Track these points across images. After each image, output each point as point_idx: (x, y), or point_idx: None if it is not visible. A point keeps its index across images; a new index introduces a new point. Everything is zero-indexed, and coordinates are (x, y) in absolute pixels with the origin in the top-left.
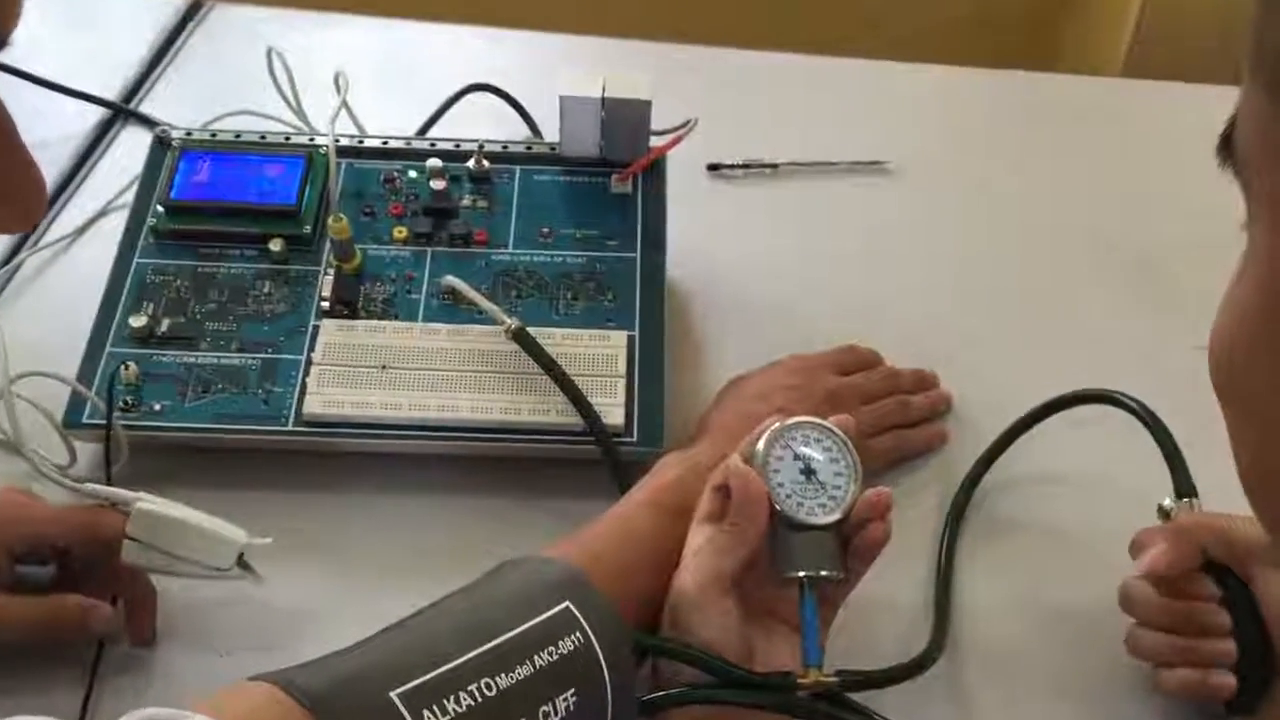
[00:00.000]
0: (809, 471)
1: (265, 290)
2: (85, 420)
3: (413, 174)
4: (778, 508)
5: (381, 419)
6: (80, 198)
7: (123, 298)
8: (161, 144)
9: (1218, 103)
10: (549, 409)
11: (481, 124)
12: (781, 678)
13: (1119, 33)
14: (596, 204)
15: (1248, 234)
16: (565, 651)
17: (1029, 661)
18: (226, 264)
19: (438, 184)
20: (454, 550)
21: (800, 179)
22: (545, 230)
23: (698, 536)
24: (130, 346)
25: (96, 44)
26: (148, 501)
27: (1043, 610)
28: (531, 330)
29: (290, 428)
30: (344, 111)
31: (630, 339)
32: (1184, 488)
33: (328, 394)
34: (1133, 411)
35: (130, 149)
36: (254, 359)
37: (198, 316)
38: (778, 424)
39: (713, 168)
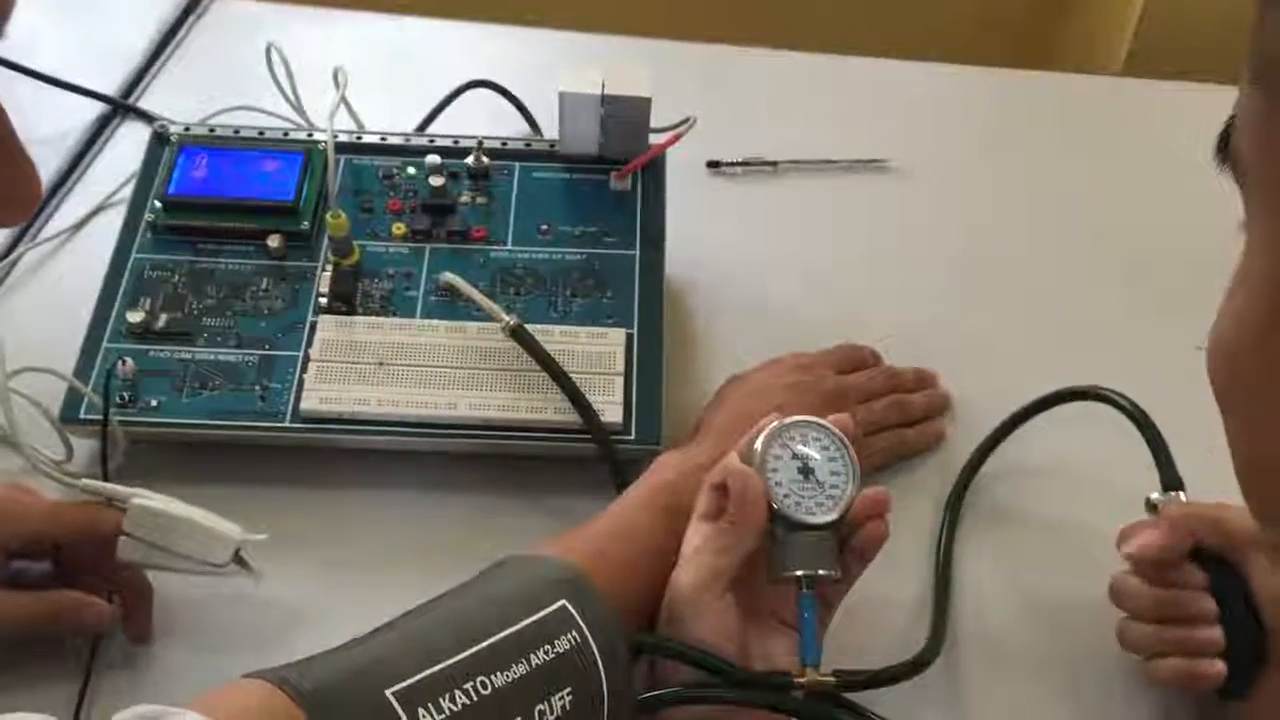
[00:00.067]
0: (807, 471)
1: (263, 286)
2: (82, 416)
3: (411, 170)
4: (775, 507)
5: (379, 416)
6: (79, 193)
7: (120, 293)
8: (160, 139)
9: (1219, 102)
10: (547, 406)
11: (481, 120)
12: (778, 677)
13: (1120, 32)
14: (595, 201)
15: (1245, 234)
16: (561, 650)
17: (1028, 661)
18: (224, 259)
19: (436, 180)
20: (451, 547)
21: (800, 177)
22: (544, 227)
23: (695, 535)
24: (127, 342)
25: (96, 38)
26: (144, 497)
27: (1041, 608)
28: (530, 327)
29: (287, 424)
30: (343, 107)
31: (628, 336)
32: (1171, 481)
33: (325, 390)
34: (1120, 407)
35: (129, 144)
36: (251, 355)
37: (195, 312)
38: (776, 423)
39: (712, 165)
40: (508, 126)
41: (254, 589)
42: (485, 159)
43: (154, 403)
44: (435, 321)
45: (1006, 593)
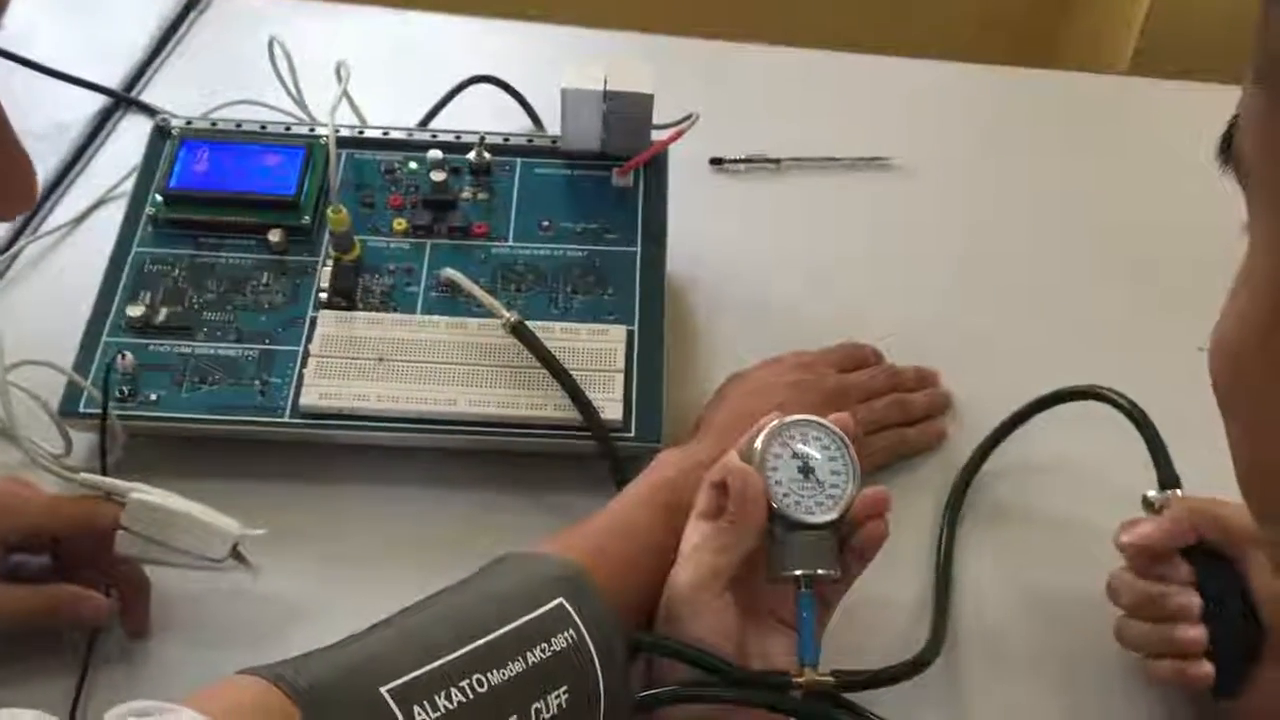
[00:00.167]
0: (807, 470)
1: (263, 281)
2: (81, 410)
3: (413, 165)
4: (775, 506)
5: (378, 411)
6: (80, 186)
7: (120, 287)
8: (161, 133)
9: (1223, 102)
10: (547, 403)
11: (484, 116)
12: (776, 677)
13: (1126, 30)
14: (597, 198)
15: (1248, 234)
16: (558, 648)
17: (1028, 661)
18: (225, 254)
19: (438, 176)
20: (449, 544)
21: (803, 174)
22: (545, 223)
23: (694, 533)
24: (127, 336)
25: (99, 31)
26: (142, 492)
27: (1041, 608)
28: (530, 324)
29: (287, 419)
30: (345, 102)
31: (629, 334)
32: (1167, 479)
33: (325, 386)
34: (1119, 407)
35: (131, 137)
36: (251, 350)
37: (195, 306)
38: (776, 421)
39: (715, 162)
40: (511, 122)
41: (252, 584)
42: (487, 155)
43: (153, 397)
44: (436, 317)
45: (1007, 592)
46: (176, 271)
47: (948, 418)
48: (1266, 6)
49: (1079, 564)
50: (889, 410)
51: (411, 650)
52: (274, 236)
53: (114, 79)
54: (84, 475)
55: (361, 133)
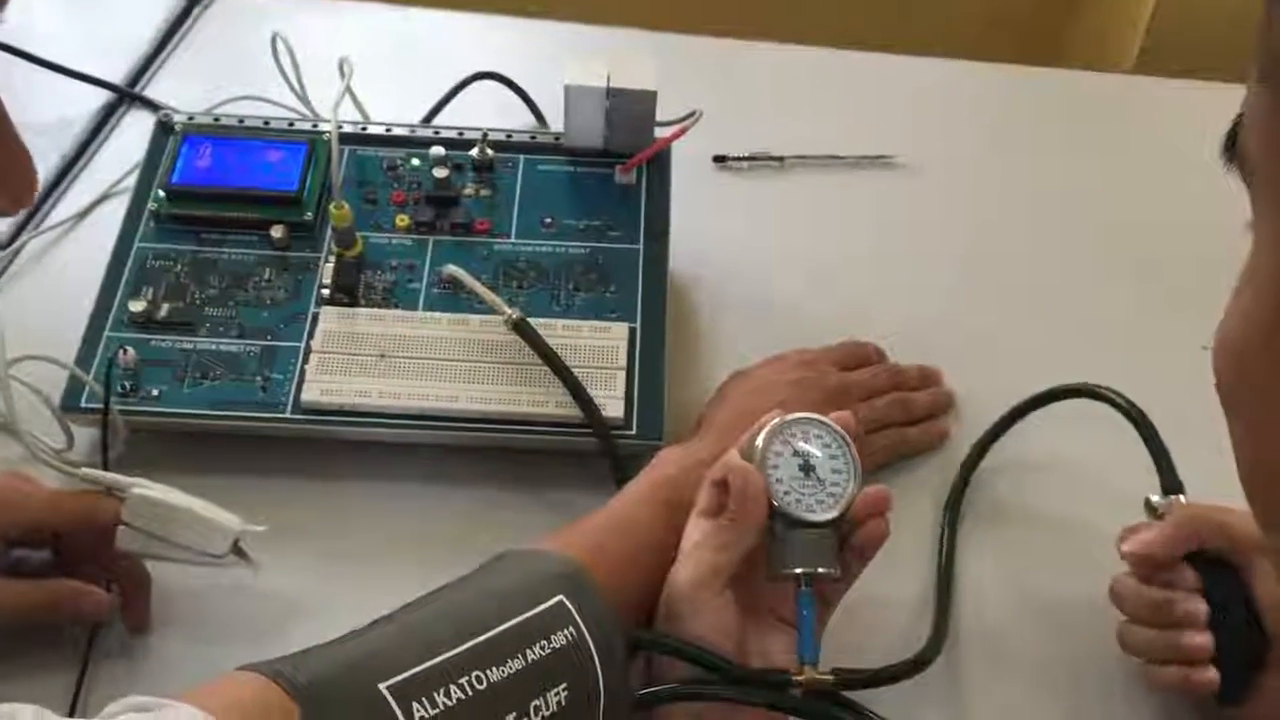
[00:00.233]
0: (808, 468)
1: (266, 276)
2: (83, 404)
3: (416, 162)
4: (776, 504)
5: (380, 408)
6: (84, 181)
7: (123, 282)
8: (164, 128)
9: (1229, 101)
10: (548, 400)
11: (487, 112)
12: (776, 675)
13: (1132, 29)
14: (600, 195)
15: (1253, 233)
16: (558, 645)
17: (1028, 661)
18: (227, 249)
19: (440, 172)
20: (450, 541)
21: (806, 172)
22: (548, 220)
23: (695, 531)
24: (129, 331)
25: (103, 27)
26: (143, 487)
27: (1042, 608)
28: (532, 321)
29: (288, 415)
30: (348, 98)
31: (631, 331)
32: (1170, 483)
33: (326, 382)
34: (1116, 405)
35: (135, 133)
36: (253, 345)
37: (197, 302)
38: (777, 419)
39: (718, 160)
40: (514, 119)
41: (253, 580)
42: (490, 151)
43: (155, 392)
44: (437, 314)
45: (1007, 592)
46: (179, 267)
47: (950, 417)
48: (1270, 7)
49: (1080, 566)
50: (891, 409)
51: (411, 647)
52: (276, 232)
53: (118, 74)
54: (85, 470)
55: (364, 129)
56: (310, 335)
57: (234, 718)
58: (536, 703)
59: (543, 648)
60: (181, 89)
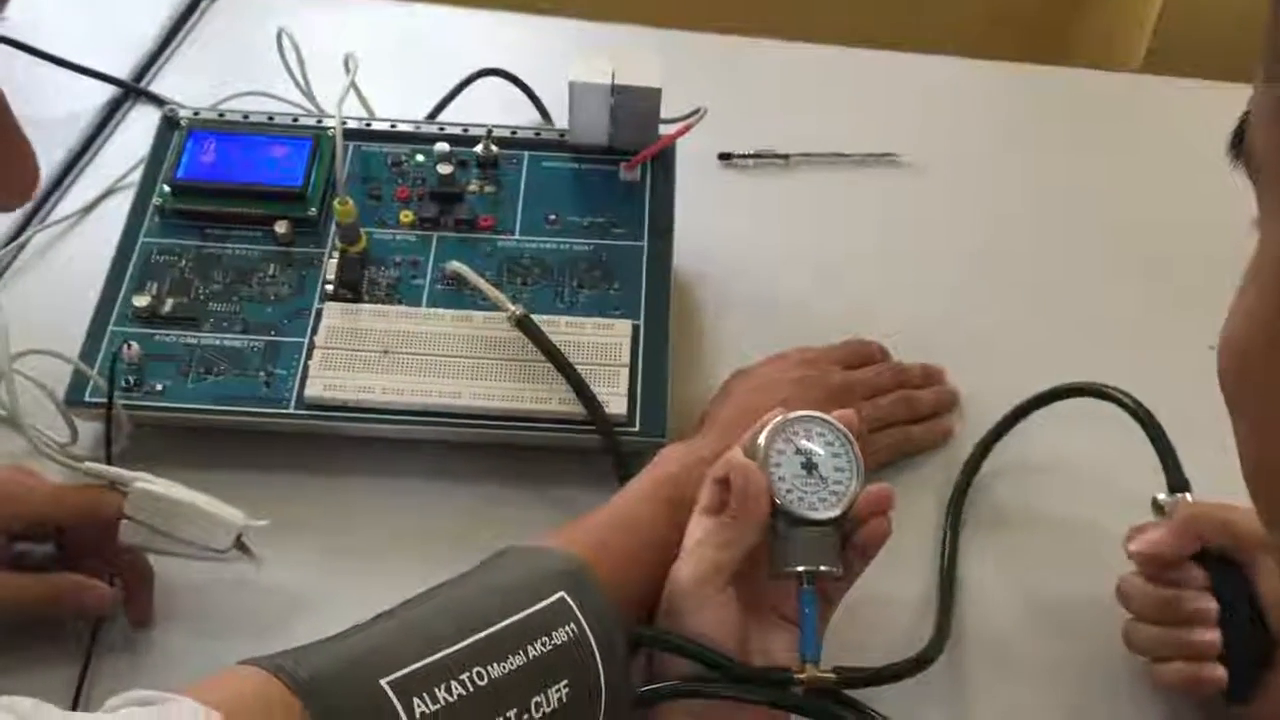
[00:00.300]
0: (810, 466)
1: (270, 272)
2: (87, 399)
3: (420, 158)
4: (778, 502)
5: (383, 404)
6: (89, 176)
7: (127, 277)
8: (169, 123)
9: (1236, 100)
10: (551, 397)
11: (493, 109)
12: (778, 673)
13: (1139, 29)
14: (604, 191)
15: (1259, 231)
16: (559, 642)
17: (1031, 660)
18: (231, 245)
19: (445, 168)
20: (452, 537)
21: (812, 170)
22: (552, 217)
23: (697, 529)
24: (133, 326)
25: (109, 22)
26: (146, 482)
27: (1045, 607)
28: (536, 318)
29: (291, 410)
30: (352, 94)
31: (635, 328)
32: (1176, 482)
33: (330, 377)
34: (1122, 404)
35: (140, 128)
36: (257, 341)
37: (201, 297)
38: (780, 417)
39: (724, 157)
40: (520, 115)
41: (255, 575)
42: (494, 148)
43: (159, 387)
44: (441, 310)
45: (1011, 591)
46: (183, 262)
47: (954, 415)
48: (1276, 7)
49: (1084, 564)
50: (895, 407)
51: (412, 642)
52: (280, 228)
53: (124, 69)
54: (89, 464)
55: (369, 125)
56: (314, 331)
57: (235, 712)
58: (537, 699)
59: (544, 644)
60: (187, 84)
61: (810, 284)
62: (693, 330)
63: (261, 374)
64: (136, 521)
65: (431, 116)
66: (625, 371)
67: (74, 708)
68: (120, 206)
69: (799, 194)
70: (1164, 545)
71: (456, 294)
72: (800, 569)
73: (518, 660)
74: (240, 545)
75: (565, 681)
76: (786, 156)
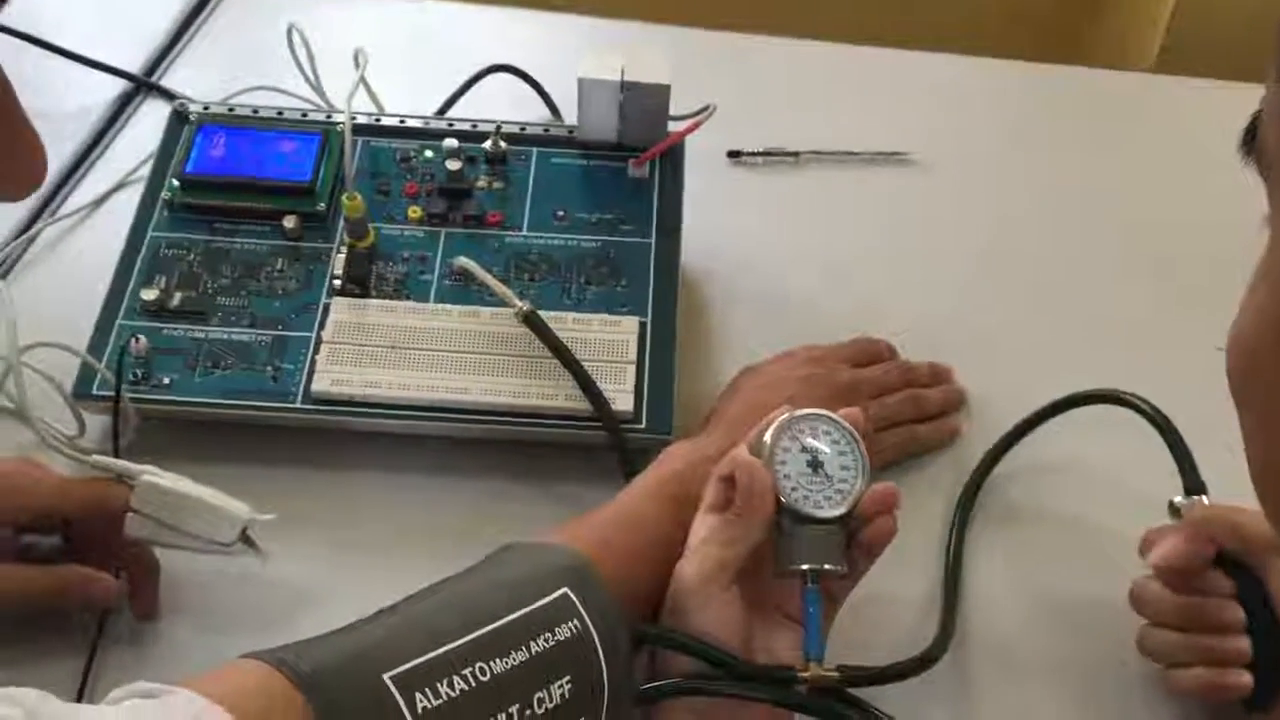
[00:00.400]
0: (816, 464)
1: (278, 266)
2: (95, 392)
3: (429, 154)
4: (783, 500)
5: (390, 399)
6: (99, 169)
7: (136, 271)
8: (179, 117)
9: (1249, 100)
10: (558, 393)
11: (502, 105)
12: (781, 671)
13: (1152, 28)
14: (613, 188)
15: (1269, 228)
16: (562, 638)
17: (1037, 661)
18: (240, 239)
19: (453, 164)
20: (457, 532)
21: (821, 168)
22: (560, 213)
23: (702, 526)
24: (141, 319)
25: (121, 16)
26: (153, 475)
27: (1051, 608)
28: (543, 314)
29: (298, 405)
30: (362, 89)
31: (642, 325)
32: (1193, 485)
33: (337, 372)
34: (1141, 411)
35: (151, 122)
36: (264, 335)
37: (210, 291)
38: (786, 415)
39: (733, 155)
40: (529, 112)
41: (260, 569)
42: (503, 144)
43: (166, 380)
44: (448, 306)
45: (1017, 593)
46: (192, 256)
47: (961, 415)
48: None
49: (1093, 567)
50: (902, 406)
51: (415, 637)
52: (289, 223)
53: (135, 64)
54: (96, 457)
55: (378, 120)
56: (321, 325)
57: (238, 705)
58: (540, 695)
59: (547, 640)
60: (197, 79)
61: (818, 282)
62: (700, 328)
63: (269, 368)
64: (143, 514)
65: (441, 112)
66: (632, 368)
67: (79, 700)
68: (130, 200)
69: (808, 192)
70: (1181, 555)
71: (464, 290)
72: (805, 567)
73: (520, 656)
74: (246, 539)
75: (568, 678)
76: (796, 154)
